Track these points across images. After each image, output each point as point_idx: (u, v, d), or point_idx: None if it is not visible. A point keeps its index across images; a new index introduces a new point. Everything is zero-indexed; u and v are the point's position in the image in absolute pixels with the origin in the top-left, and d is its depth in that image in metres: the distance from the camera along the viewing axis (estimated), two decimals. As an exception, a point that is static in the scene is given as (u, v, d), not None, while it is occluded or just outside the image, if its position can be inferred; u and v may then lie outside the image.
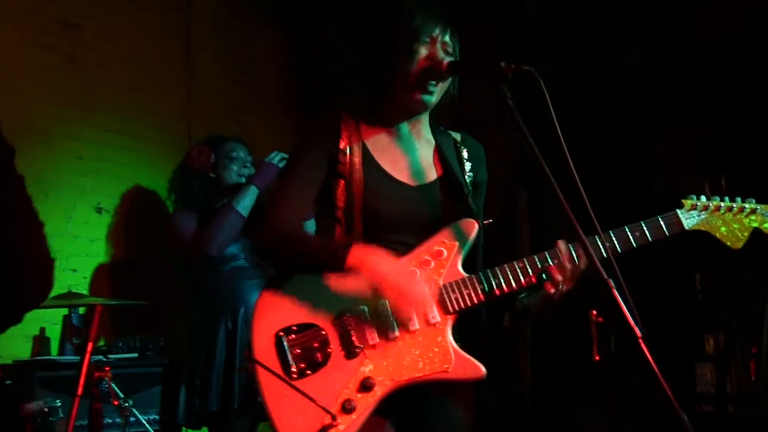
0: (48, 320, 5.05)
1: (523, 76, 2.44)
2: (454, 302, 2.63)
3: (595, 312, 4.72)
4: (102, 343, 5.05)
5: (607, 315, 4.69)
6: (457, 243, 2.69)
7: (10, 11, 5.11)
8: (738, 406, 5.70)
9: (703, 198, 2.75)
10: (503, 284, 2.64)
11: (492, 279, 2.64)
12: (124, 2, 5.79)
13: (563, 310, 2.72)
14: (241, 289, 4.75)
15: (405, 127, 2.86)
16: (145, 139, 5.79)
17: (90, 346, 4.00)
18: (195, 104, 6.16)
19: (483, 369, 2.58)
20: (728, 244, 2.75)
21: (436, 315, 2.62)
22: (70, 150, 5.36)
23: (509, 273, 2.65)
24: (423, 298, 2.58)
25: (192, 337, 4.78)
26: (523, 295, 2.74)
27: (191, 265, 4.86)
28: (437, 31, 2.73)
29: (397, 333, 2.60)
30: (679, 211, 2.73)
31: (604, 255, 2.54)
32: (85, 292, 5.17)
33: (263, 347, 2.61)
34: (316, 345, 2.60)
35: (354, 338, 2.59)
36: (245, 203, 4.73)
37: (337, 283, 2.64)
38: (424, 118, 2.89)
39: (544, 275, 2.62)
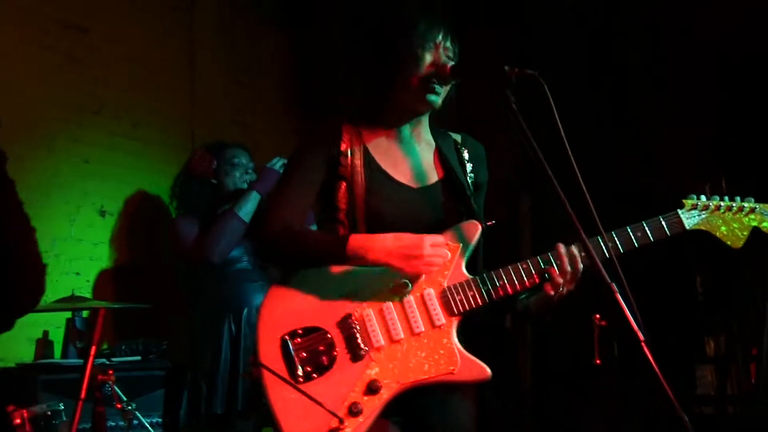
0: (51, 323, 5.05)
1: (527, 79, 2.45)
2: (459, 304, 2.64)
3: (598, 316, 4.73)
4: (105, 346, 5.05)
5: (609, 318, 4.70)
6: (460, 245, 2.70)
7: (13, 12, 5.09)
8: (738, 408, 5.70)
9: (703, 198, 2.77)
10: (507, 286, 2.66)
11: (496, 280, 2.66)
12: (126, 3, 5.78)
13: (564, 311, 2.73)
14: (245, 292, 4.75)
15: (406, 129, 2.87)
16: (148, 141, 5.78)
17: (93, 349, 4.00)
18: (198, 106, 6.15)
19: (488, 370, 2.60)
20: (728, 243, 2.77)
21: (441, 317, 2.63)
22: (73, 153, 5.35)
23: (513, 275, 2.67)
24: (434, 253, 2.59)
25: (195, 340, 4.78)
26: (523, 295, 2.76)
27: (193, 271, 4.86)
28: (440, 37, 2.74)
29: (401, 335, 2.61)
30: (680, 211, 2.75)
31: (607, 255, 2.58)
32: (88, 295, 5.16)
33: (269, 351, 2.62)
34: (321, 348, 2.61)
35: (359, 341, 2.60)
36: (247, 209, 4.74)
37: (341, 284, 2.66)
38: (425, 121, 2.91)
39: (546, 276, 2.64)
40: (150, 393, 4.77)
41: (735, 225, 2.77)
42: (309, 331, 2.63)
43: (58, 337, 5.04)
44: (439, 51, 2.73)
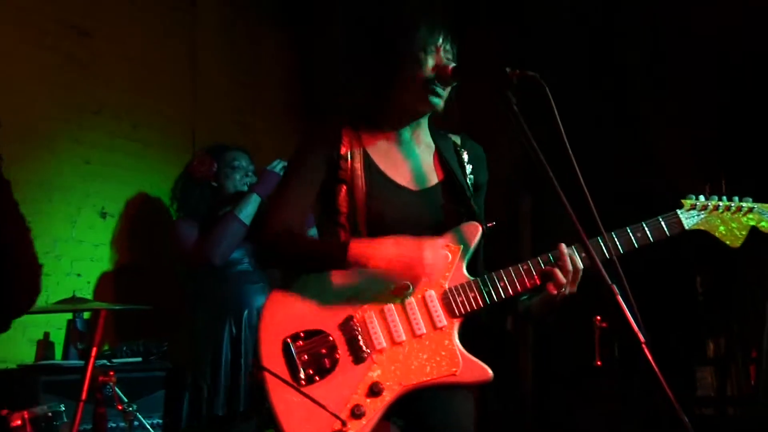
0: (52, 325, 5.05)
1: (528, 81, 2.45)
2: (461, 306, 2.65)
3: (599, 318, 4.74)
4: (106, 347, 5.05)
5: (610, 320, 4.71)
6: (461, 246, 2.71)
7: (14, 13, 5.09)
8: (738, 409, 5.71)
9: (702, 198, 2.79)
10: (508, 287, 2.67)
11: (497, 282, 2.67)
12: (127, 4, 5.77)
13: (565, 312, 2.74)
14: (245, 294, 4.76)
15: (407, 132, 2.87)
16: (149, 142, 5.78)
17: (94, 350, 4.00)
18: (199, 107, 6.15)
19: (490, 372, 2.61)
20: (727, 243, 2.79)
21: (442, 319, 2.64)
22: (74, 154, 5.35)
23: (514, 276, 2.68)
24: (434, 261, 2.59)
25: (195, 342, 4.78)
26: (524, 297, 2.77)
27: (193, 273, 4.86)
28: (440, 40, 2.75)
29: (403, 337, 2.62)
30: (679, 211, 2.77)
31: (607, 256, 2.60)
32: (89, 296, 5.16)
33: (271, 354, 2.62)
34: (323, 351, 2.62)
35: (361, 343, 2.61)
36: (247, 211, 4.74)
37: (342, 286, 2.66)
38: (424, 123, 2.91)
39: (547, 276, 2.64)
40: (151, 394, 4.77)
41: (733, 225, 2.79)
42: (311, 333, 2.63)
43: (59, 338, 5.04)
44: (440, 53, 2.73)
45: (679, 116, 6.05)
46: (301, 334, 2.63)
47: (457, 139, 2.96)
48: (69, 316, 4.94)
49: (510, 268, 2.69)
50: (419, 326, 2.63)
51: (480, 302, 2.65)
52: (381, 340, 2.61)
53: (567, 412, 6.03)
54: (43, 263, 5.03)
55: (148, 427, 4.41)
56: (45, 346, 5.02)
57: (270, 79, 6.78)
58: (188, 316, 4.95)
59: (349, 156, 2.77)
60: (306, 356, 2.61)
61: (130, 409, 4.09)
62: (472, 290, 2.66)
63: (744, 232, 2.79)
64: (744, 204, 2.81)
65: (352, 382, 2.58)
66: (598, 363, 4.79)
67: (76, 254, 5.28)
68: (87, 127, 5.43)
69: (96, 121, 5.48)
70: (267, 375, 2.59)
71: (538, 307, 2.74)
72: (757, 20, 5.52)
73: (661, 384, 2.18)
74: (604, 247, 2.63)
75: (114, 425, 4.40)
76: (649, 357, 2.20)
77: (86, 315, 4.98)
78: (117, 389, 4.04)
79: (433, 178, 2.86)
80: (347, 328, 2.62)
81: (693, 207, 2.78)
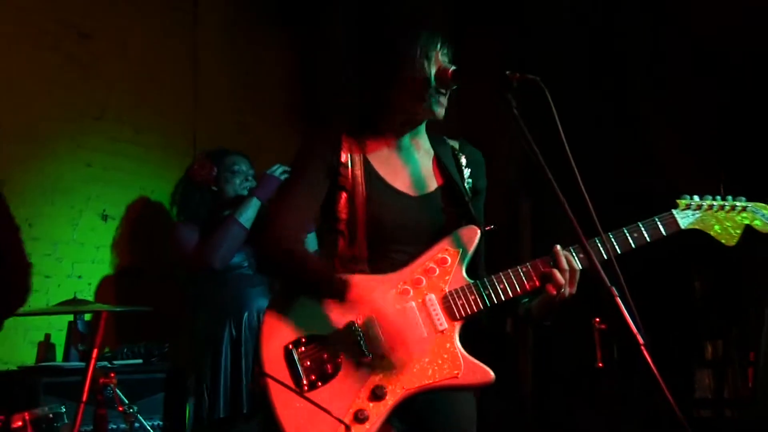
0: (53, 326, 5.07)
1: (528, 84, 2.46)
2: (461, 309, 2.65)
3: (598, 319, 4.74)
4: (107, 349, 5.06)
5: (610, 322, 4.71)
6: (460, 250, 2.71)
7: (16, 17, 5.11)
8: (735, 411, 5.73)
9: (696, 197, 2.80)
10: (508, 289, 2.67)
11: (497, 284, 2.67)
12: (129, 9, 5.78)
13: (564, 314, 2.74)
14: (246, 296, 4.76)
15: (406, 138, 2.87)
16: (150, 146, 5.80)
17: (95, 352, 4.00)
18: (200, 111, 6.15)
19: (492, 374, 2.61)
20: (723, 241, 2.80)
21: (443, 322, 2.64)
22: (76, 157, 5.37)
23: (513, 278, 2.68)
24: (419, 349, 2.59)
25: (196, 344, 4.79)
26: (525, 299, 2.77)
27: (194, 277, 4.87)
28: (439, 46, 2.74)
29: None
30: (674, 211, 2.78)
31: (605, 257, 2.61)
32: (90, 298, 5.18)
33: (273, 361, 2.61)
34: (325, 356, 2.61)
35: (363, 348, 2.60)
36: (248, 215, 4.75)
37: None
38: (423, 129, 2.91)
39: (546, 278, 2.65)
40: (151, 396, 4.79)
41: (728, 224, 2.80)
42: (312, 339, 2.62)
43: (60, 340, 5.06)
44: (438, 58, 2.73)
45: (679, 116, 6.05)
46: (303, 340, 2.62)
47: (456, 144, 2.95)
48: (70, 317, 4.95)
49: (509, 270, 2.69)
50: (421, 330, 2.62)
51: (480, 305, 2.65)
52: (383, 345, 2.60)
53: (567, 413, 6.04)
54: (44, 265, 5.07)
55: (149, 428, 4.42)
56: (46, 347, 5.04)
57: (271, 80, 6.78)
58: (189, 318, 4.96)
59: (349, 163, 2.76)
60: (308, 362, 2.60)
61: (131, 410, 4.10)
62: (472, 293, 2.66)
63: (739, 231, 2.80)
64: (738, 203, 2.82)
65: (355, 386, 2.58)
66: (600, 365, 4.79)
67: (78, 256, 5.30)
68: (89, 131, 5.45)
69: (98, 125, 5.50)
70: (269, 381, 2.58)
71: (537, 309, 2.73)
72: (757, 20, 5.53)
73: (660, 385, 2.19)
74: (601, 248, 2.63)
75: (114, 427, 4.42)
76: (648, 359, 2.21)
77: (87, 317, 4.99)
78: (118, 391, 4.05)
79: (433, 184, 2.85)
80: (349, 333, 2.61)
81: (688, 207, 2.79)
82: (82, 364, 4.44)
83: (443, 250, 2.71)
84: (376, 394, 2.56)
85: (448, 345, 2.62)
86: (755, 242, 2.80)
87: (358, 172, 2.75)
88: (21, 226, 4.88)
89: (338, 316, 2.63)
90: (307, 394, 2.56)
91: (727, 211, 2.81)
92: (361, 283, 2.62)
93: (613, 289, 2.29)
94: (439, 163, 2.89)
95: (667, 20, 6.16)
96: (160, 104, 5.91)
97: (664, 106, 6.15)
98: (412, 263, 2.70)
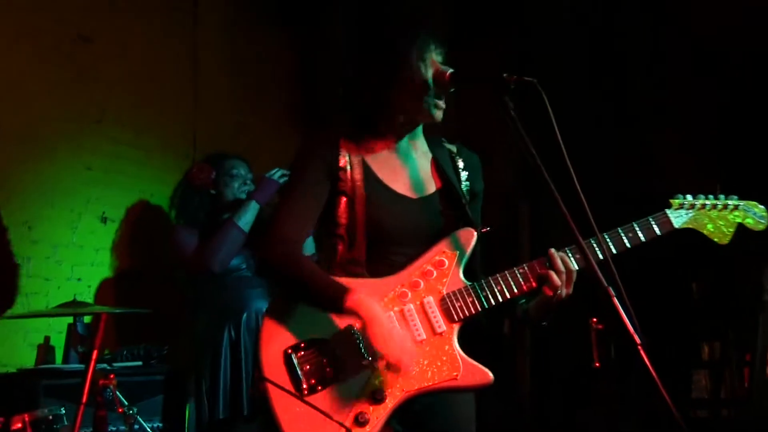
0: (53, 329, 5.08)
1: (525, 86, 2.46)
2: (459, 311, 2.66)
3: (595, 319, 4.75)
4: (107, 351, 5.06)
5: (607, 322, 4.72)
6: (457, 252, 2.72)
7: (15, 21, 5.11)
8: (732, 412, 5.74)
9: (689, 197, 2.83)
10: (505, 291, 2.68)
11: (494, 286, 2.68)
12: (129, 13, 5.77)
13: (561, 314, 2.75)
14: (245, 298, 4.76)
15: (404, 141, 2.87)
16: (150, 149, 5.81)
17: (95, 353, 4.00)
18: (200, 115, 6.15)
19: (491, 375, 2.62)
20: (716, 240, 2.83)
21: (442, 324, 2.64)
22: (76, 160, 5.38)
23: (510, 279, 2.69)
24: (408, 361, 2.56)
25: (196, 347, 4.79)
26: (522, 300, 2.78)
27: (193, 280, 4.87)
28: (434, 47, 2.75)
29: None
30: (668, 211, 2.80)
31: (600, 257, 2.62)
32: (89, 300, 5.18)
33: (273, 365, 2.61)
34: (325, 360, 2.61)
35: (362, 351, 2.60)
36: (246, 218, 4.75)
37: None
38: (420, 131, 2.91)
39: (543, 279, 2.66)
40: (151, 398, 4.79)
41: (721, 222, 2.83)
42: (312, 343, 2.63)
43: (59, 342, 5.06)
44: (434, 59, 2.73)
45: (679, 116, 6.05)
46: (302, 344, 2.62)
47: (453, 148, 2.96)
48: (69, 320, 4.95)
49: (506, 272, 2.70)
50: (419, 332, 2.63)
51: (478, 306, 2.66)
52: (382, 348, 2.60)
53: (565, 413, 6.04)
54: (43, 268, 5.07)
55: (148, 430, 4.41)
56: (46, 350, 5.04)
57: (271, 81, 6.77)
58: (188, 320, 4.96)
59: (348, 166, 2.76)
60: (308, 366, 2.60)
61: (131, 412, 4.10)
62: (469, 295, 2.67)
63: (731, 229, 2.83)
64: (730, 202, 2.85)
65: (355, 390, 2.58)
66: (597, 365, 4.80)
67: (77, 259, 5.31)
68: (89, 134, 5.46)
69: (98, 128, 5.51)
70: (269, 386, 2.58)
71: (535, 310, 2.74)
72: (757, 20, 5.52)
73: (658, 385, 2.20)
74: (597, 248, 2.64)
75: (114, 428, 4.41)
76: (645, 359, 2.22)
77: (87, 319, 4.99)
78: (117, 392, 4.05)
79: (431, 186, 2.86)
80: (348, 336, 2.61)
81: (681, 206, 2.81)
82: (82, 366, 4.44)
83: (441, 253, 2.72)
84: (376, 397, 2.56)
85: (446, 347, 2.63)
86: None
87: (357, 176, 2.75)
88: (20, 229, 4.96)
89: (337, 320, 2.63)
90: (308, 399, 2.56)
91: (720, 210, 2.84)
92: (358, 295, 2.58)
93: (610, 289, 2.30)
94: (437, 165, 2.89)
95: (667, 20, 6.16)
96: (160, 107, 5.91)
97: (664, 106, 6.15)
98: (410, 266, 2.71)
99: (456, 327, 2.66)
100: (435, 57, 2.74)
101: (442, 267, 2.70)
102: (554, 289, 2.63)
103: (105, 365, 4.68)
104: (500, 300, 2.67)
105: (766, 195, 2.97)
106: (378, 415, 2.55)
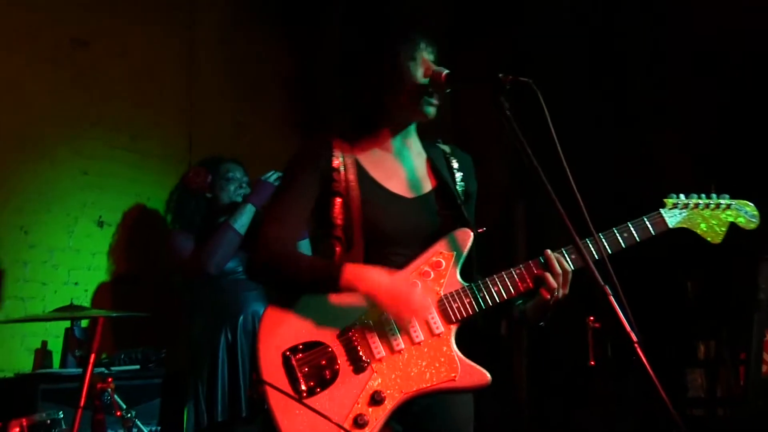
0: (50, 333, 5.08)
1: (521, 86, 2.45)
2: (456, 311, 2.66)
3: (592, 318, 4.75)
4: (104, 355, 5.06)
5: (604, 321, 4.72)
6: (454, 253, 2.72)
7: (13, 25, 5.11)
8: (727, 410, 5.74)
9: (683, 196, 2.84)
10: (502, 291, 2.68)
11: (491, 287, 2.68)
12: (126, 17, 5.77)
13: (558, 313, 2.74)
14: (242, 301, 4.76)
15: (398, 141, 2.87)
16: (146, 153, 5.81)
17: (92, 357, 3.99)
18: (196, 119, 6.15)
19: (488, 375, 2.62)
20: (709, 239, 2.85)
21: (439, 325, 2.65)
22: (73, 164, 5.38)
23: (507, 280, 2.70)
24: (421, 304, 2.60)
25: (193, 350, 4.78)
26: (519, 301, 2.78)
27: (189, 283, 4.86)
28: (427, 48, 2.75)
29: (402, 345, 2.62)
30: (662, 210, 2.82)
31: (596, 257, 2.63)
32: (87, 305, 5.19)
33: (271, 368, 2.61)
34: (323, 362, 2.61)
35: (360, 353, 2.61)
36: (242, 221, 4.75)
37: (339, 298, 2.65)
38: (414, 131, 2.91)
39: (540, 280, 2.67)
40: (149, 401, 4.80)
41: (714, 222, 2.85)
42: (310, 345, 2.63)
43: (56, 346, 5.06)
44: (426, 60, 2.74)
45: (679, 116, 6.05)
46: (300, 347, 2.62)
47: (447, 148, 2.96)
48: (67, 324, 4.97)
49: (503, 273, 2.71)
50: (417, 333, 2.63)
51: (475, 307, 2.66)
52: (380, 349, 2.61)
53: (562, 413, 6.04)
54: (40, 272, 5.07)
55: (147, 433, 4.42)
56: (43, 354, 5.04)
57: (268, 83, 6.77)
58: (185, 324, 4.95)
59: (342, 168, 2.76)
60: (306, 368, 2.60)
61: (129, 415, 4.09)
62: (467, 296, 2.67)
63: (724, 229, 2.85)
64: (722, 201, 2.87)
65: (354, 392, 2.58)
66: (592, 363, 4.80)
67: (74, 263, 5.32)
68: (86, 138, 5.46)
69: (95, 132, 5.51)
70: (268, 388, 2.58)
71: (532, 311, 2.75)
72: (757, 20, 5.52)
73: (654, 383, 2.21)
74: (592, 248, 2.65)
75: (112, 432, 4.40)
76: (642, 356, 2.22)
77: (84, 323, 5.01)
78: (116, 396, 4.04)
79: (427, 186, 2.86)
80: (346, 338, 2.62)
81: (675, 206, 2.83)
82: (80, 370, 4.44)
83: (438, 254, 2.72)
84: (375, 399, 2.56)
85: (444, 348, 2.63)
86: (748, 246, 2.81)
87: (352, 177, 2.75)
88: (17, 233, 4.96)
89: (335, 322, 2.64)
90: (306, 401, 2.56)
91: (713, 209, 2.85)
92: (353, 266, 2.61)
93: (607, 288, 2.30)
94: (432, 165, 2.89)
95: (667, 20, 6.16)
96: (157, 111, 5.92)
97: (664, 106, 6.15)
98: (407, 267, 2.70)
99: (454, 328, 2.66)
100: (426, 56, 2.74)
101: (440, 268, 2.70)
102: (551, 291, 2.64)
103: (103, 369, 4.67)
104: (497, 301, 2.68)
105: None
106: (377, 416, 2.55)
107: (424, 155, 2.91)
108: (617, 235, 2.73)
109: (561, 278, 2.64)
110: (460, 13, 6.82)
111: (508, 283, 2.69)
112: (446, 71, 2.70)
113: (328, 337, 2.62)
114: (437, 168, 2.87)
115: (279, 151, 5.54)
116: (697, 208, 2.84)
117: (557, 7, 6.55)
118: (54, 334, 5.06)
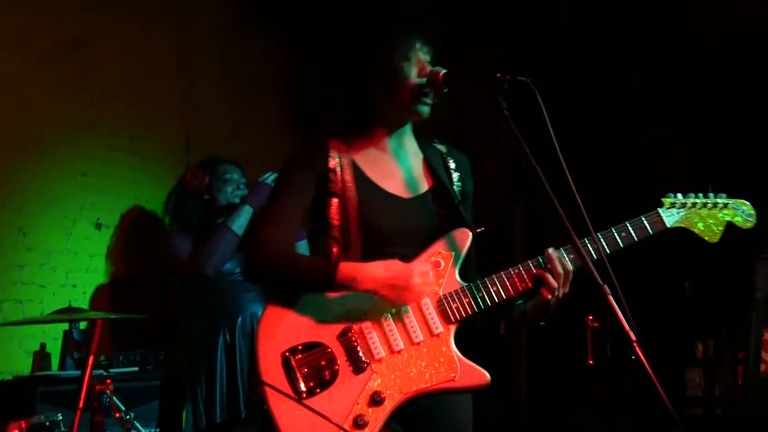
0: (48, 335, 5.07)
1: (519, 86, 2.45)
2: (455, 312, 2.66)
3: (591, 317, 4.75)
4: (103, 357, 5.06)
5: (603, 320, 4.72)
6: (452, 253, 2.73)
7: (11, 27, 5.10)
8: (726, 409, 5.74)
9: (680, 195, 2.85)
10: (501, 291, 2.69)
11: (490, 287, 2.69)
12: (124, 19, 5.76)
13: (557, 312, 2.74)
14: (240, 302, 4.76)
15: (394, 141, 2.87)
16: (145, 155, 5.80)
17: (91, 359, 3.98)
18: (194, 121, 6.15)
19: (488, 375, 2.62)
20: (706, 238, 2.86)
21: (438, 325, 2.65)
22: (70, 166, 5.37)
23: (506, 280, 2.70)
24: (422, 282, 2.60)
25: (191, 352, 4.78)
26: (519, 301, 2.79)
27: (187, 285, 4.86)
28: (422, 48, 2.75)
29: (401, 345, 2.62)
30: (660, 210, 2.83)
31: (595, 257, 2.64)
32: (85, 307, 5.19)
33: (270, 369, 2.62)
34: (323, 363, 2.62)
35: (360, 353, 2.61)
36: (240, 222, 4.76)
37: (338, 298, 2.66)
38: (410, 131, 2.91)
39: (539, 280, 2.67)
40: (148, 403, 4.79)
41: (711, 221, 2.86)
42: (309, 346, 2.63)
43: (55, 349, 5.06)
44: (421, 60, 2.74)
45: (678, 116, 6.04)
46: (300, 347, 2.63)
47: (443, 148, 2.97)
48: (65, 326, 4.96)
49: (502, 272, 2.71)
50: (416, 334, 2.64)
51: (474, 307, 2.66)
52: (380, 350, 2.62)
53: (561, 412, 6.04)
54: (38, 274, 5.07)
55: (146, 435, 4.41)
56: (41, 356, 5.03)
57: (267, 94, 6.76)
58: (183, 325, 4.95)
59: (338, 169, 2.77)
60: (306, 369, 2.61)
61: (128, 417, 4.09)
62: (466, 296, 2.67)
63: (721, 228, 2.86)
64: (719, 200, 2.88)
65: (353, 392, 2.59)
66: (590, 362, 4.80)
67: (72, 265, 5.31)
68: (84, 140, 5.45)
69: (93, 134, 5.50)
70: (268, 389, 2.58)
71: (532, 311, 2.76)
72: (757, 20, 5.52)
73: (653, 381, 2.22)
74: (591, 248, 2.66)
75: (111, 434, 4.40)
76: (641, 355, 2.23)
77: (82, 325, 5.01)
78: (114, 398, 4.03)
79: (424, 186, 2.86)
80: (345, 339, 2.63)
81: (673, 205, 2.84)
82: (78, 372, 4.45)
83: (436, 254, 2.73)
84: (375, 400, 2.57)
85: (444, 348, 2.64)
86: (745, 245, 2.81)
87: (348, 177, 2.76)
88: (15, 235, 4.95)
89: (334, 322, 2.65)
90: (306, 401, 2.56)
91: (710, 209, 2.86)
92: (347, 263, 2.62)
93: (606, 287, 2.31)
94: (428, 165, 2.90)
95: (667, 20, 6.15)
96: (155, 112, 5.91)
97: (663, 106, 6.14)
98: None
99: (453, 328, 2.66)
100: (422, 56, 2.75)
101: (438, 268, 2.71)
102: (551, 291, 2.64)
103: (101, 371, 4.66)
104: (496, 300, 2.68)
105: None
106: (377, 417, 2.56)
107: (420, 155, 2.91)
108: (615, 234, 2.73)
109: (562, 278, 2.65)
110: (459, 13, 6.83)
111: (507, 283, 2.69)
112: (444, 71, 2.70)
113: (328, 337, 2.63)
114: (434, 168, 2.87)
115: (277, 153, 5.53)
116: (695, 208, 2.85)
117: (557, 7, 6.55)
118: (52, 337, 5.05)
